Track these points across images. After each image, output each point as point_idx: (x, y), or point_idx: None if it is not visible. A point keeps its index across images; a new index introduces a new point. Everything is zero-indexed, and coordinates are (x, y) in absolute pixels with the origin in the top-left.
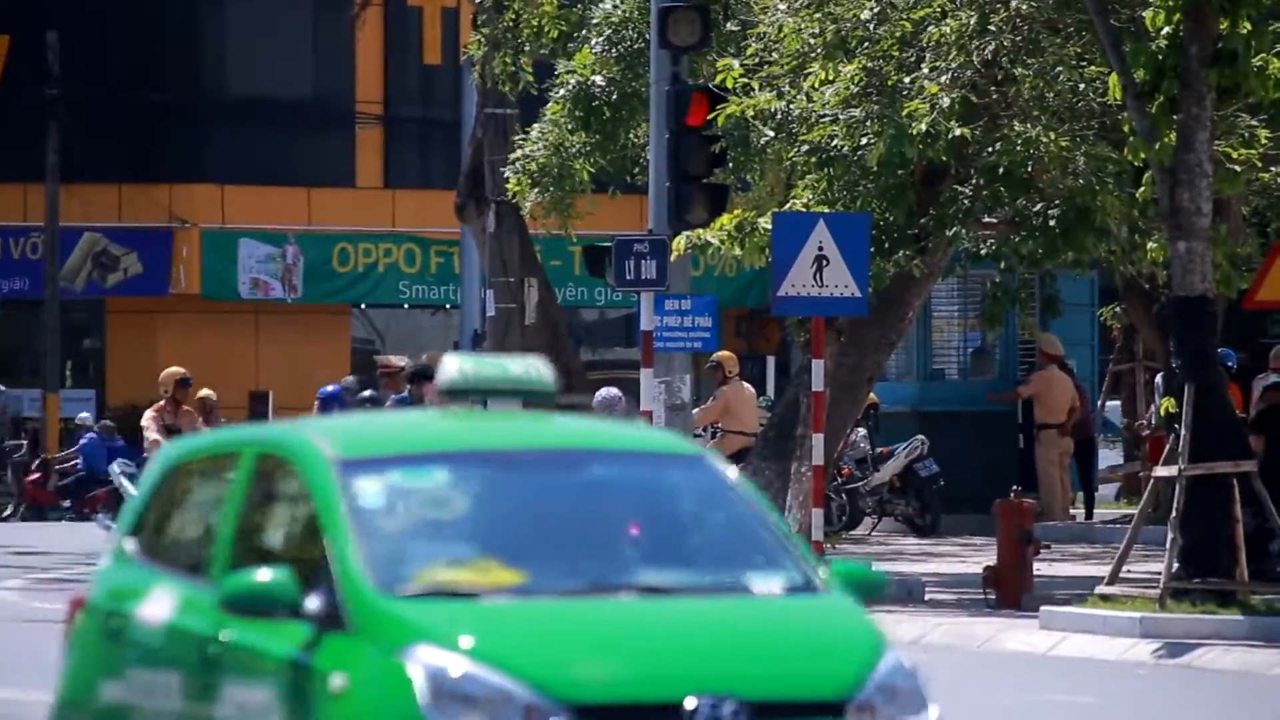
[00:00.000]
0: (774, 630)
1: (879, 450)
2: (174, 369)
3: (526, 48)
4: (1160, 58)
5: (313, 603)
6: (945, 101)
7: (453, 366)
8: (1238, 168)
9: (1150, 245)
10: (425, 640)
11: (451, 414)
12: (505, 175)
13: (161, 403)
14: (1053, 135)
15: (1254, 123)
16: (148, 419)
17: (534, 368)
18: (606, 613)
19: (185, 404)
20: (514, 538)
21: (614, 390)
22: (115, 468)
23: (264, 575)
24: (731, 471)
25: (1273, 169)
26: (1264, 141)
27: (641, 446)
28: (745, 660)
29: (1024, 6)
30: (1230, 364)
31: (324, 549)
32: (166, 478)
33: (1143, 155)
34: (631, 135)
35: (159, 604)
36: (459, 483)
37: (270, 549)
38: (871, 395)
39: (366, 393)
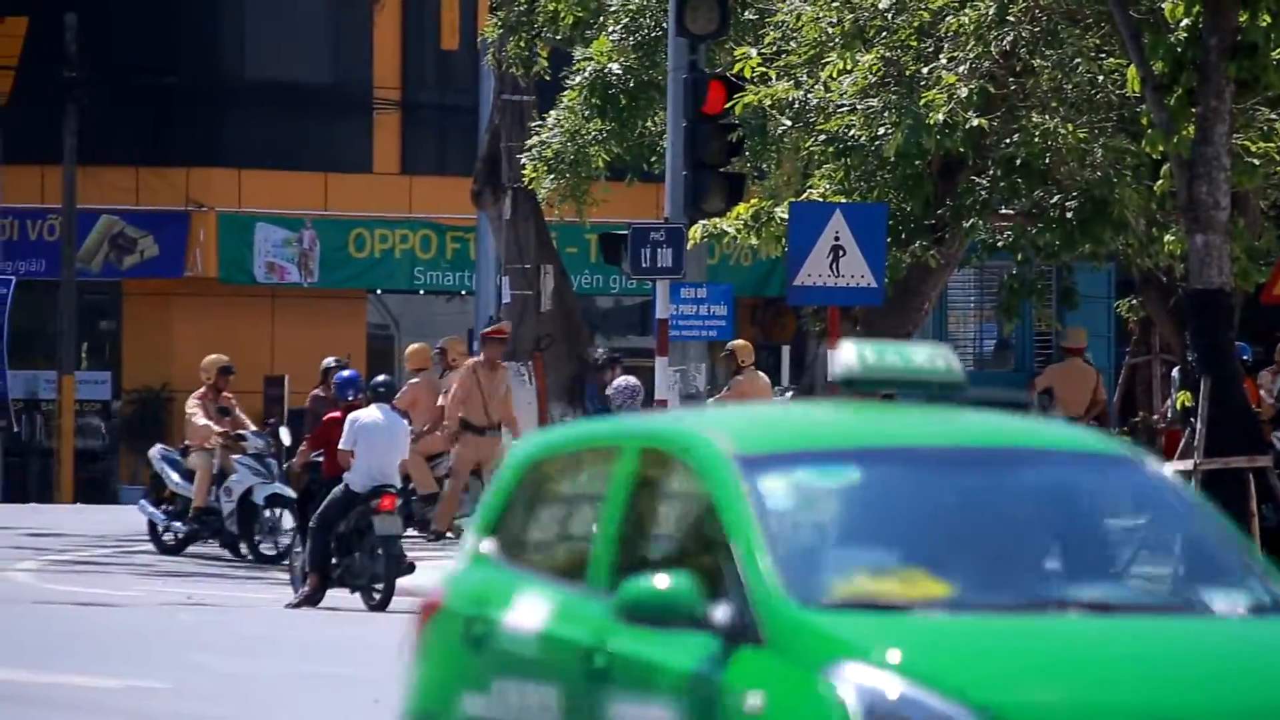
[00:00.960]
0: (1244, 657)
1: None
2: (216, 356)
3: (543, 33)
4: (1179, 50)
5: (719, 613)
6: (963, 92)
7: (850, 354)
8: (1256, 161)
9: (1168, 238)
10: (855, 657)
11: (855, 407)
12: (522, 162)
13: (204, 390)
14: (1071, 127)
15: (1273, 116)
16: (193, 405)
17: (941, 357)
18: (1052, 631)
19: (225, 391)
20: (938, 545)
21: (633, 379)
22: (155, 453)
23: (664, 582)
24: (1168, 472)
25: None
26: None
27: (1069, 446)
28: (1216, 690)
29: None
30: (1246, 358)
31: (726, 554)
32: (526, 474)
33: (1161, 148)
34: (648, 123)
35: (529, 610)
36: (874, 483)
37: (660, 553)
38: None
39: (381, 378)
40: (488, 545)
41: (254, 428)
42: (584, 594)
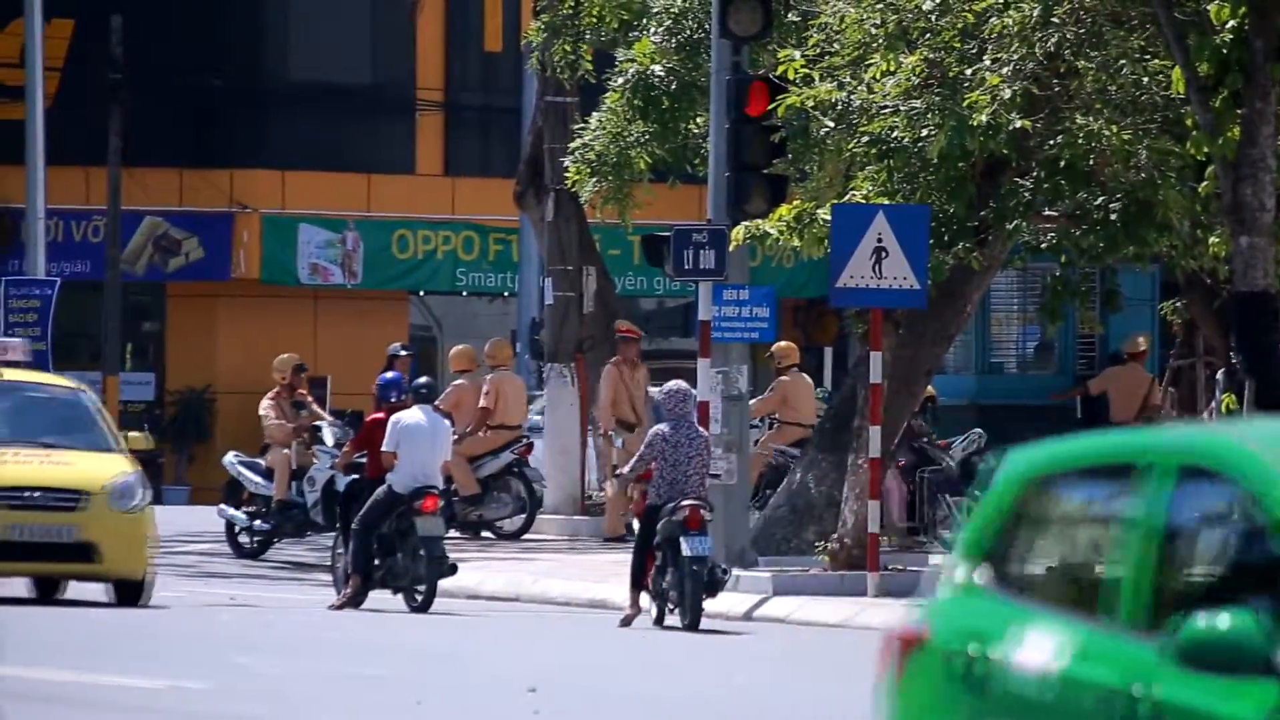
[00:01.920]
0: None
1: (937, 444)
2: (289, 355)
3: (587, 36)
4: (1224, 51)
5: None
6: (1006, 93)
7: None
8: None
9: (1212, 240)
10: None
11: None
12: (564, 164)
13: (277, 389)
14: (1115, 128)
15: None
16: (266, 406)
17: None
18: None
19: (300, 389)
20: None
21: (683, 383)
22: (229, 459)
23: (1228, 621)
24: None
25: None
26: None
27: None
28: None
29: None
30: None
31: None
32: (1024, 492)
33: (1205, 149)
34: (691, 125)
35: (1041, 648)
36: None
37: (1208, 586)
38: (929, 388)
39: (423, 380)
40: (979, 573)
41: (330, 419)
42: (1111, 631)
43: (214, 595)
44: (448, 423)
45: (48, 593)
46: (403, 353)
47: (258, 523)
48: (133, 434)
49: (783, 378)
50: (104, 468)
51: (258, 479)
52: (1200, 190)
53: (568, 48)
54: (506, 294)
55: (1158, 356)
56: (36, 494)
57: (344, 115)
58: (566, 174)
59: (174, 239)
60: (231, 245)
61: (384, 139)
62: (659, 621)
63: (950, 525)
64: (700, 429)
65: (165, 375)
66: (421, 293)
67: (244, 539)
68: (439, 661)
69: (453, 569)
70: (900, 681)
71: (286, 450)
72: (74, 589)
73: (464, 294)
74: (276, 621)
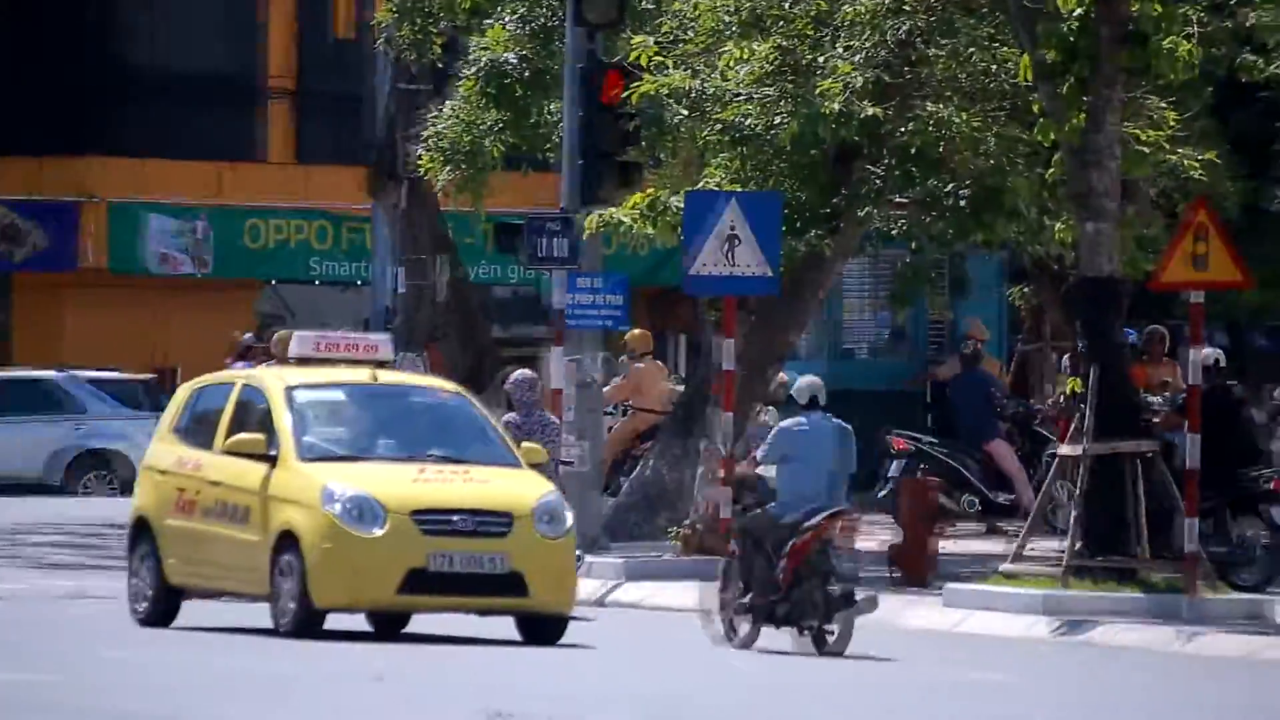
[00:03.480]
0: None
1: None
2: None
3: (438, 20)
4: (1071, 39)
5: None
6: (858, 81)
7: None
8: (1146, 149)
9: (1058, 226)
10: None
11: None
12: (417, 152)
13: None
14: (964, 116)
15: (1162, 105)
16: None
17: None
18: None
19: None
20: None
21: (530, 371)
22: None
23: None
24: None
25: (1180, 151)
26: (1172, 124)
27: None
28: None
29: None
30: (1134, 341)
31: None
32: None
33: (1052, 136)
34: (544, 113)
35: None
36: None
37: None
38: (782, 375)
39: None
40: None
41: None
42: None
43: (62, 586)
44: None
45: None
46: (257, 343)
47: None
48: None
49: (636, 365)
50: (526, 487)
51: None
52: (1047, 176)
53: (417, 30)
54: (359, 282)
55: (1005, 341)
56: (463, 518)
57: (194, 104)
58: (419, 162)
59: (19, 229)
60: (79, 235)
61: (234, 127)
62: None
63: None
64: (551, 416)
65: (11, 365)
66: (274, 281)
67: None
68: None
69: None
70: None
71: None
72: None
73: (317, 283)
74: (127, 611)
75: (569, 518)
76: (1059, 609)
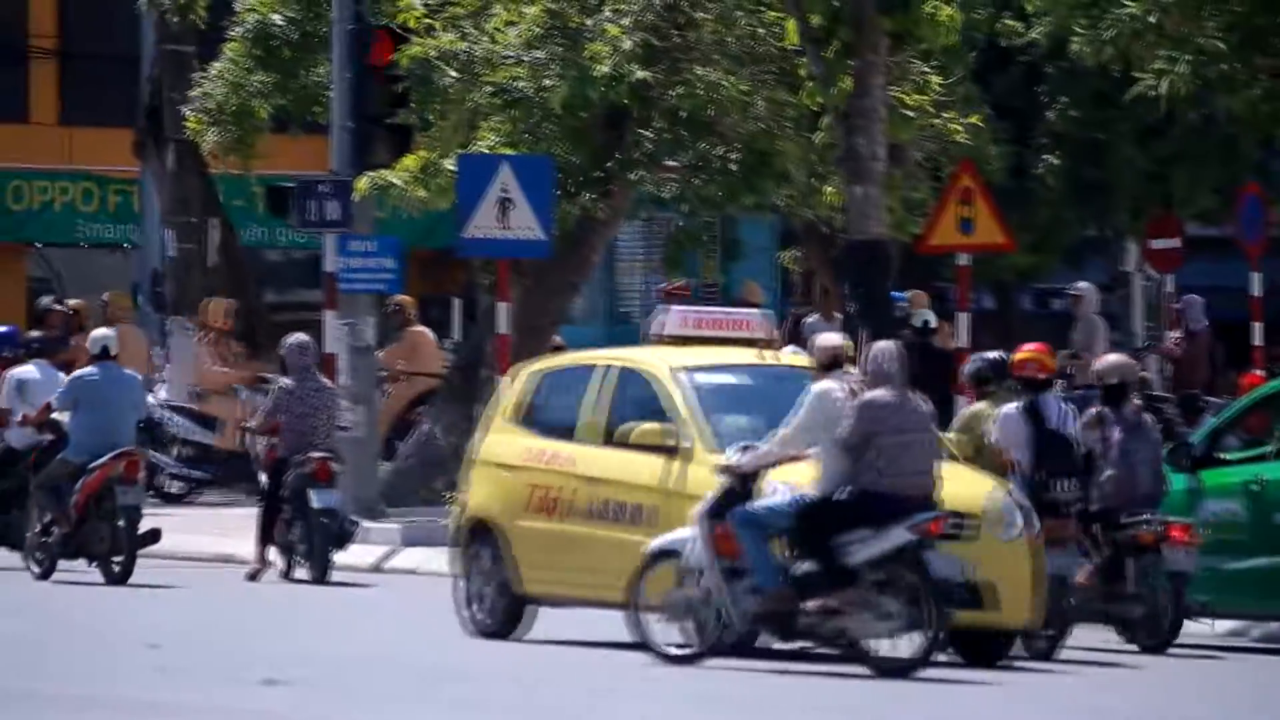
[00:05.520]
0: None
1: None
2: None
3: None
4: (836, 4)
5: None
6: (627, 44)
7: None
8: (911, 114)
9: (827, 189)
10: None
11: None
12: (184, 113)
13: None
14: (732, 79)
15: (926, 69)
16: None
17: None
18: None
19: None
20: None
21: (304, 336)
22: None
23: None
24: None
25: (944, 115)
26: (936, 88)
27: None
28: None
29: None
30: (902, 302)
31: None
32: None
33: (819, 100)
34: (313, 75)
35: None
36: None
37: None
38: (557, 338)
39: (34, 333)
40: None
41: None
42: None
43: None
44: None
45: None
46: (56, 306)
47: None
48: None
49: (413, 328)
50: (973, 484)
51: None
52: (815, 140)
53: None
54: (128, 246)
55: (778, 304)
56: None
57: None
58: (186, 124)
59: None
60: None
61: None
62: (287, 574)
63: None
64: (326, 381)
65: None
66: (39, 245)
67: None
68: (57, 619)
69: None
70: None
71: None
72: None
73: (84, 246)
74: None
75: (1020, 519)
76: None
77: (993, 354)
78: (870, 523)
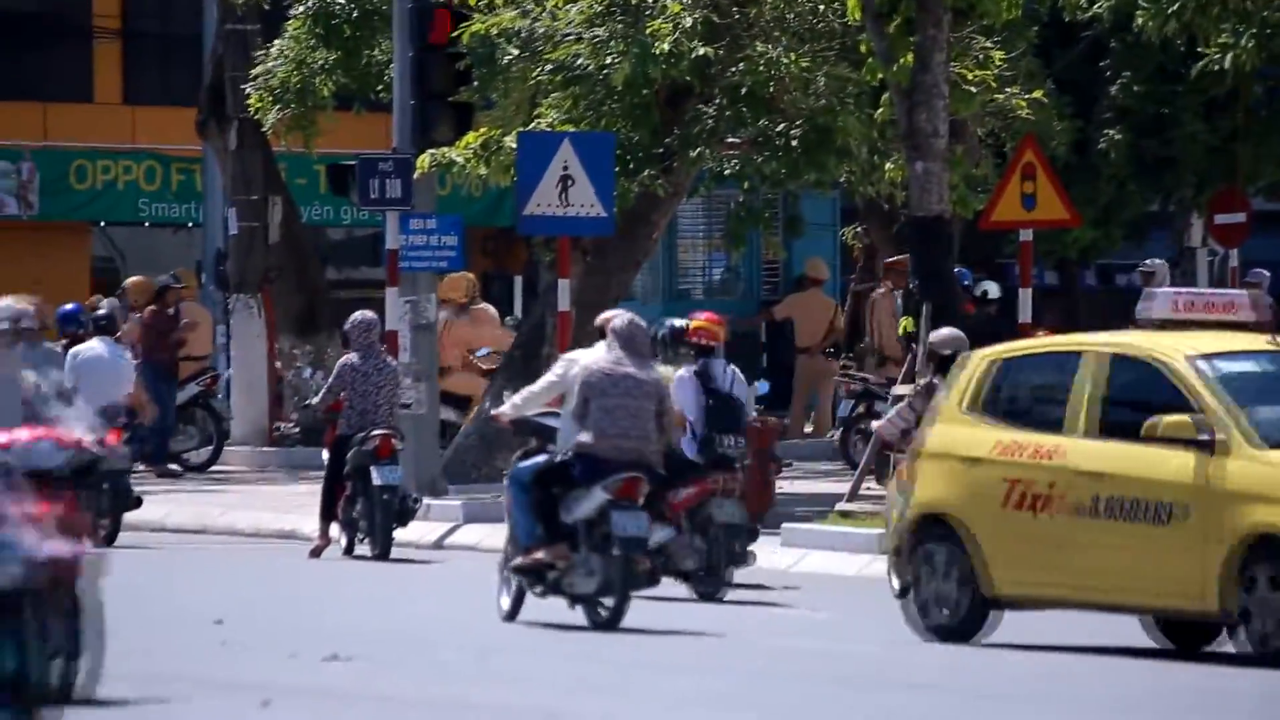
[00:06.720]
0: None
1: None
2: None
3: None
4: None
5: None
6: (688, 21)
7: None
8: (973, 89)
9: (888, 166)
10: None
11: None
12: (246, 92)
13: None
14: (794, 56)
15: (989, 44)
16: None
17: None
18: None
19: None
20: None
21: (369, 313)
22: None
23: None
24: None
25: (1007, 90)
26: (998, 63)
27: None
28: None
29: None
30: (967, 283)
31: None
32: None
33: (880, 76)
34: (375, 52)
35: None
36: None
37: None
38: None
39: (102, 309)
40: None
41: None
42: None
43: None
44: (129, 354)
45: None
46: (174, 285)
47: None
48: None
49: (477, 305)
50: None
51: None
52: (877, 117)
53: None
54: (191, 224)
55: (839, 281)
56: None
57: (18, 42)
58: (249, 102)
59: None
60: None
61: (60, 67)
62: (349, 551)
63: None
64: (389, 358)
65: None
66: (103, 224)
67: None
68: (121, 595)
69: (137, 502)
70: None
71: None
72: None
73: (147, 225)
74: None
75: None
76: None
77: (677, 321)
78: (587, 482)
